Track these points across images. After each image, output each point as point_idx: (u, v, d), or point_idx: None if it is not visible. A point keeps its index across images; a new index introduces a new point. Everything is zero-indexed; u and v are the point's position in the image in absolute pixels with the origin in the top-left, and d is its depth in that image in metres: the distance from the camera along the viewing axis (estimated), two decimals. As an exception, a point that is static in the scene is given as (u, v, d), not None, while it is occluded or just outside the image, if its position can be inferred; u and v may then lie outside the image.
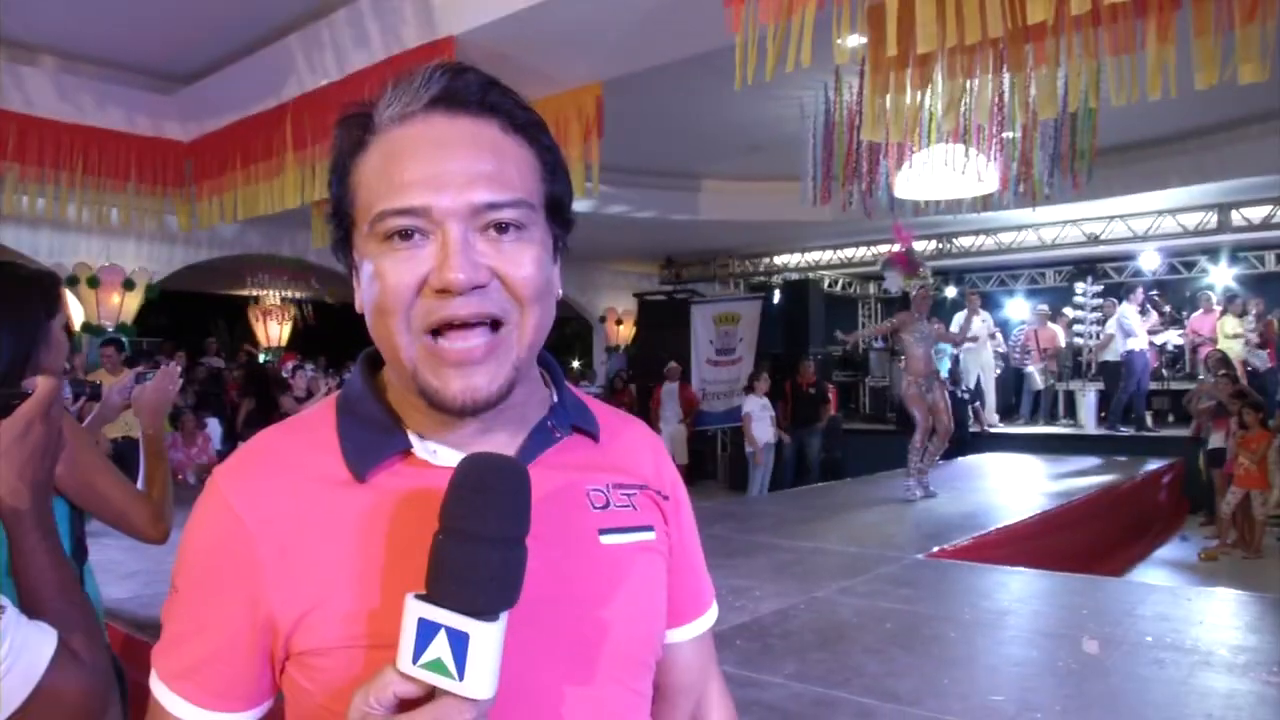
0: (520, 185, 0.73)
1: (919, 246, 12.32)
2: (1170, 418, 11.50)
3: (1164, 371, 11.99)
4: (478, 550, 0.61)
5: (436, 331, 0.70)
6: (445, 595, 0.60)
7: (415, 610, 0.60)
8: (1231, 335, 10.58)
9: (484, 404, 0.71)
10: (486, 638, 0.59)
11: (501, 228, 0.71)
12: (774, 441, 10.04)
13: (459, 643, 0.59)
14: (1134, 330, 10.94)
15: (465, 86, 0.73)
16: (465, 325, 0.70)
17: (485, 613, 0.60)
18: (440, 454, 0.75)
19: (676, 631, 0.92)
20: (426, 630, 0.59)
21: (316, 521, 0.72)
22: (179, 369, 2.02)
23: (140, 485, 1.84)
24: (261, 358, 12.96)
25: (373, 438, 0.75)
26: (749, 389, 10.18)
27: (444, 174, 0.70)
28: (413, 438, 0.76)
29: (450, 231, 0.70)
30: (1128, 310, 11.08)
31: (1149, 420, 11.28)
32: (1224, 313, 10.99)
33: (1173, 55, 3.71)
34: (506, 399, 0.73)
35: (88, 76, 7.51)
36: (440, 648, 0.59)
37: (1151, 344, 11.57)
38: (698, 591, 0.95)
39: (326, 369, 11.25)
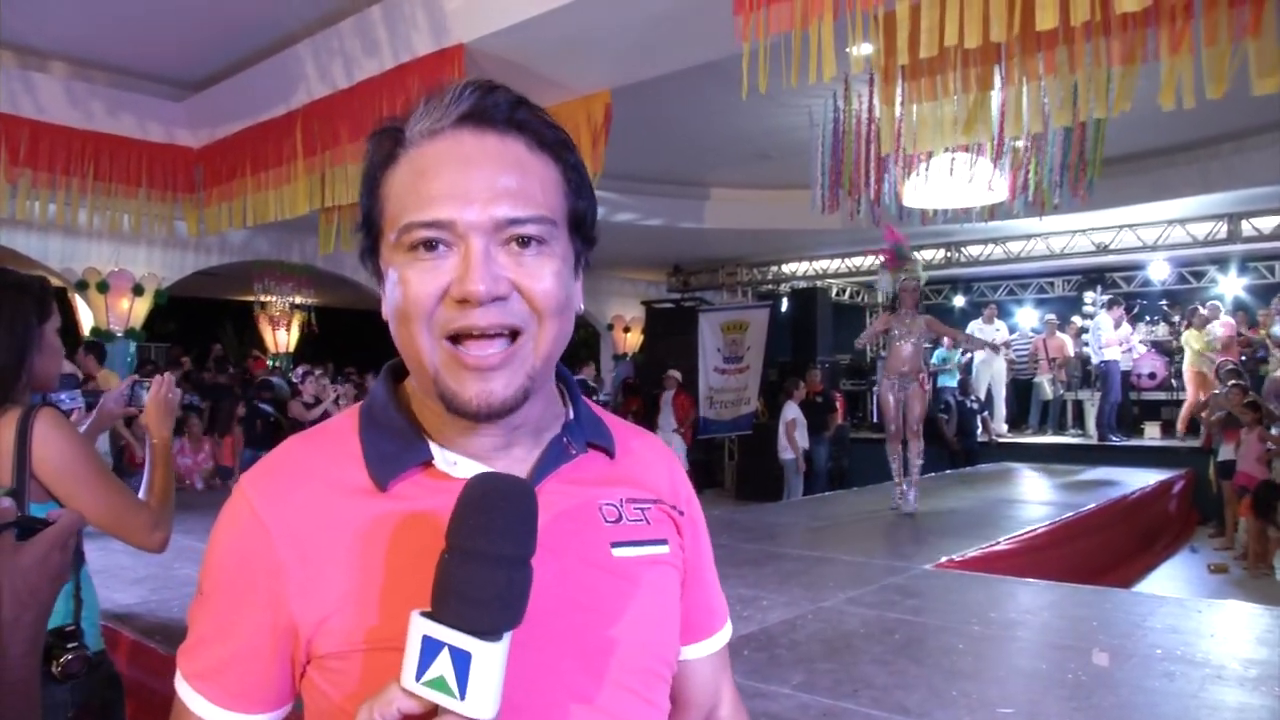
0: (544, 202, 0.74)
1: (927, 255, 12.35)
2: (1178, 429, 11.46)
3: (1173, 381, 11.94)
4: (482, 570, 0.61)
5: (456, 339, 0.72)
6: (449, 614, 0.60)
7: (420, 628, 0.60)
8: (1197, 348, 10.55)
9: (499, 409, 0.73)
10: (489, 657, 0.60)
11: (523, 242, 0.73)
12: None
13: (461, 662, 0.59)
14: (1104, 341, 11.05)
15: (494, 104, 0.75)
16: (484, 335, 0.72)
17: (488, 632, 0.60)
18: (460, 466, 0.77)
19: (691, 648, 0.93)
20: (430, 648, 0.60)
21: (339, 529, 0.74)
22: (174, 377, 2.02)
23: (143, 493, 1.83)
24: (270, 363, 12.92)
25: (395, 448, 0.77)
26: (787, 395, 10.10)
27: (469, 189, 0.72)
28: (434, 448, 0.77)
29: (473, 244, 0.71)
30: (1102, 321, 11.13)
31: (1147, 430, 11.45)
32: (1188, 326, 10.94)
33: (1188, 66, 3.70)
34: (522, 407, 0.74)
35: (99, 83, 7.54)
36: (443, 666, 0.59)
37: (1140, 349, 11.66)
38: (713, 608, 0.96)
39: (334, 376, 11.25)
